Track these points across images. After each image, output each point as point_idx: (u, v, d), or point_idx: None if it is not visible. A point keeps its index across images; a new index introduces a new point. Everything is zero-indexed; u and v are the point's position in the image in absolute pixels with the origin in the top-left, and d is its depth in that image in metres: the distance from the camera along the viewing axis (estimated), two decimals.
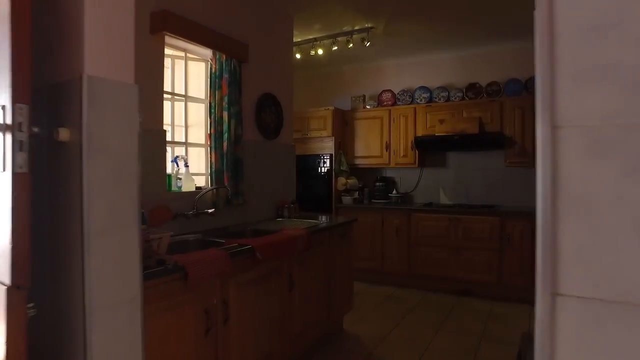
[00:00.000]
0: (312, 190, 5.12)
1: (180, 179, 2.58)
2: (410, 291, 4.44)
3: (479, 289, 4.24)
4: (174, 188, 2.56)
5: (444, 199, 4.94)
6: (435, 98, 4.81)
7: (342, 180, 4.95)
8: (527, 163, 4.20)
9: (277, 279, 2.37)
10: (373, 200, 5.10)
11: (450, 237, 4.31)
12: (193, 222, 2.56)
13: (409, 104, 4.95)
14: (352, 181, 5.07)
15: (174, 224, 2.42)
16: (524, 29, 4.17)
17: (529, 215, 3.97)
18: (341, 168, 4.94)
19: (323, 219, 3.37)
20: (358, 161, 5.11)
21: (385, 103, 5.10)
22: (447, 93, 4.73)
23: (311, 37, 4.48)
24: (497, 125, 4.33)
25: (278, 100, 3.44)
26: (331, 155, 4.97)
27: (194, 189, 2.67)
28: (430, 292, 4.38)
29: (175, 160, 2.64)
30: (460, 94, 4.66)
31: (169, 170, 2.54)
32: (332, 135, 4.94)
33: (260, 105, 3.24)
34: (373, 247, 4.72)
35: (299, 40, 4.56)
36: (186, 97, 2.81)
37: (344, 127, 5.17)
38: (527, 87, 4.33)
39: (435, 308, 3.91)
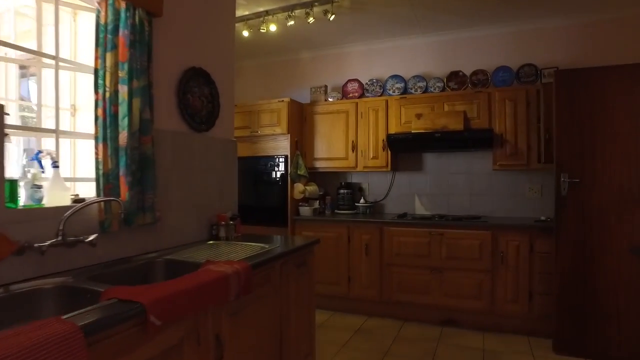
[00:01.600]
0: (263, 200, 4.22)
1: (39, 187, 1.61)
2: (383, 322, 3.63)
3: (466, 317, 3.49)
4: (26, 202, 1.59)
5: (421, 209, 4.19)
6: (411, 89, 4.06)
7: (299, 187, 4.09)
8: (521, 166, 3.52)
9: (191, 347, 1.45)
10: (337, 211, 4.27)
11: (432, 256, 3.54)
12: (61, 256, 1.60)
13: (379, 96, 4.18)
14: (312, 188, 4.22)
15: (20, 263, 1.46)
16: (516, 10, 3.51)
17: (527, 229, 3.28)
18: (298, 172, 4.08)
19: (275, 240, 2.49)
20: (319, 164, 4.26)
21: (351, 95, 4.30)
22: (424, 83, 4.00)
23: (261, 9, 3.61)
24: (485, 120, 3.63)
25: (212, 79, 2.53)
26: (286, 157, 4.10)
27: (67, 203, 1.71)
28: (408, 322, 3.59)
29: (36, 157, 1.67)
30: (440, 84, 3.94)
31: (12, 173, 1.58)
32: (288, 133, 4.08)
33: (186, 83, 2.32)
34: (338, 268, 3.88)
35: (247, 13, 3.68)
36: (57, 60, 1.85)
37: (302, 123, 4.31)
38: (518, 76, 3.67)
39: (416, 345, 3.11)
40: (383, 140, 3.96)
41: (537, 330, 3.28)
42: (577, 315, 2.93)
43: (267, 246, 2.18)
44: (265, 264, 1.90)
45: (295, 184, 4.10)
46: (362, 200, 4.25)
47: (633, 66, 2.87)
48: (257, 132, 4.21)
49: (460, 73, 3.86)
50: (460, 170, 4.03)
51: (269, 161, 4.18)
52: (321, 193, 4.36)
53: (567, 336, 2.95)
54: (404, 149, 3.92)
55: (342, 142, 4.15)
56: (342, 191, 4.28)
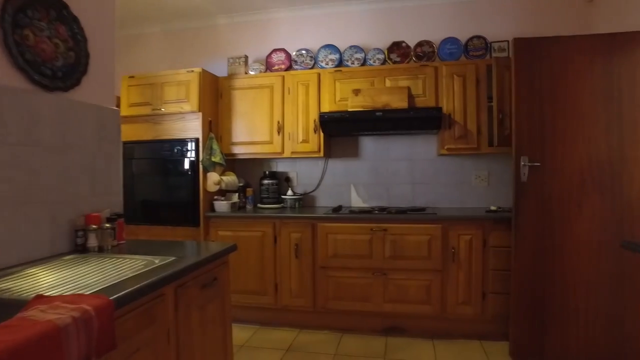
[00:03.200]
0: (168, 194, 3.40)
1: None
2: (319, 335, 3.04)
3: (413, 323, 3.03)
4: None
5: (358, 201, 3.66)
6: (347, 61, 3.49)
7: (214, 177, 3.34)
8: (472, 149, 3.13)
9: None
10: (260, 205, 3.59)
11: (374, 255, 3.02)
12: None
13: (310, 69, 3.56)
14: (230, 178, 3.49)
15: None
16: None
17: (481, 221, 2.89)
18: (212, 159, 3.33)
19: (173, 249, 1.76)
20: (238, 149, 3.54)
21: (276, 67, 3.62)
22: (363, 55, 3.45)
23: None
24: (432, 98, 3.18)
25: (74, 14, 1.71)
26: (197, 141, 3.32)
27: None
28: (348, 334, 3.05)
29: None
30: (381, 56, 3.41)
31: None
32: (199, 111, 3.30)
33: (17, 10, 1.49)
34: (263, 274, 3.21)
35: None
36: None
37: (217, 100, 3.55)
38: (467, 49, 3.27)
39: None
40: (314, 121, 3.36)
41: (489, 333, 2.92)
42: (535, 316, 2.59)
43: (157, 260, 1.46)
44: (146, 292, 1.19)
45: (208, 174, 3.34)
46: (289, 192, 3.61)
47: (602, 37, 2.56)
48: (161, 109, 3.37)
49: (404, 44, 3.36)
50: (402, 156, 3.57)
51: (176, 146, 3.37)
52: (241, 184, 3.64)
53: (525, 340, 2.60)
54: (339, 131, 3.35)
55: (266, 123, 3.46)
56: (266, 182, 3.60)
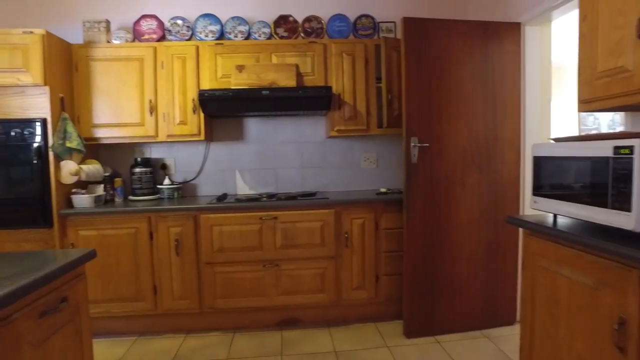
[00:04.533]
0: (6, 188, 2.71)
1: None
2: (208, 338, 2.73)
3: (309, 314, 2.91)
4: None
5: (244, 188, 3.39)
6: (229, 33, 3.14)
7: (70, 166, 2.76)
8: (362, 131, 3.07)
9: None
10: (132, 198, 3.10)
11: (265, 246, 2.80)
12: None
13: (187, 40, 3.13)
14: (92, 167, 2.93)
15: None
16: None
17: (372, 204, 2.85)
18: (68, 145, 2.74)
19: (1, 267, 1.31)
20: (102, 132, 2.98)
21: (146, 36, 3.11)
22: (247, 27, 3.14)
23: None
24: (321, 77, 3.03)
25: None
26: (45, 122, 2.69)
27: None
28: (240, 332, 2.80)
29: None
30: (267, 30, 3.14)
31: None
32: (46, 85, 2.66)
33: None
34: (138, 277, 2.76)
35: None
36: None
37: (70, 72, 2.93)
38: (356, 28, 3.18)
39: None
40: (193, 100, 2.97)
41: (384, 315, 2.94)
42: (426, 293, 2.66)
43: None
44: None
45: (62, 162, 2.74)
46: (167, 181, 3.18)
47: (478, 23, 2.66)
48: None
49: (291, 18, 3.14)
50: (290, 138, 3.38)
51: (14, 128, 2.68)
52: (107, 174, 3.10)
53: (417, 317, 2.65)
54: (222, 112, 3.01)
55: (136, 102, 2.96)
56: (138, 170, 3.11)
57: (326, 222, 2.82)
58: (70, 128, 2.77)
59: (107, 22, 3.05)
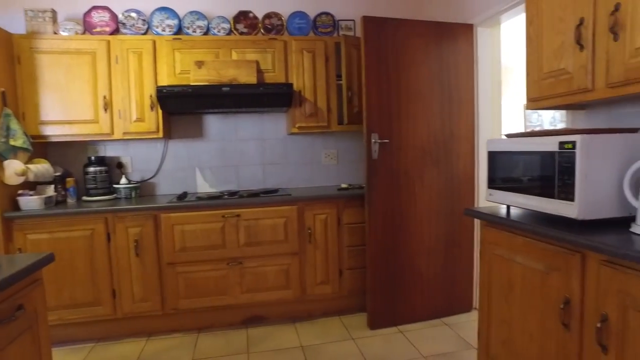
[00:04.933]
0: None
1: None
2: (171, 340, 2.68)
3: (274, 310, 2.92)
4: None
5: (204, 186, 3.33)
6: (188, 28, 3.07)
7: (15, 165, 2.60)
8: (323, 127, 3.11)
9: None
10: (87, 198, 2.97)
11: (228, 244, 2.78)
12: None
13: (143, 34, 3.03)
14: (41, 166, 2.77)
15: None
16: None
17: (334, 200, 2.90)
18: (12, 143, 2.58)
19: None
20: (51, 130, 2.82)
21: (98, 29, 2.97)
22: (205, 22, 3.08)
23: None
24: (281, 74, 3.03)
25: None
26: None
27: None
28: (205, 332, 2.76)
29: None
30: (226, 26, 3.10)
31: None
32: None
33: None
34: (95, 281, 2.65)
35: None
36: None
37: (12, 65, 2.75)
38: (316, 25, 3.20)
39: None
40: (151, 96, 2.88)
41: (348, 308, 3.00)
42: (388, 285, 2.74)
43: None
44: None
45: (5, 162, 2.57)
46: (123, 180, 3.07)
47: (433, 24, 2.76)
48: None
49: (251, 14, 3.12)
50: (251, 135, 3.36)
51: None
52: (58, 174, 2.94)
53: (381, 310, 2.74)
54: (181, 109, 2.93)
55: (89, 98, 2.83)
56: (92, 169, 2.98)
57: (289, 218, 2.83)
58: (14, 125, 2.61)
59: (53, 12, 2.89)
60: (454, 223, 2.85)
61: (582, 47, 1.58)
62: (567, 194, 1.46)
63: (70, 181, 2.98)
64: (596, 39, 1.53)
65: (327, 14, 3.23)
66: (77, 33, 2.94)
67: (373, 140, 2.61)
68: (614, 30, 1.44)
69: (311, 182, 3.47)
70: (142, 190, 3.21)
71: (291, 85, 2.89)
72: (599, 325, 1.28)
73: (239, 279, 2.80)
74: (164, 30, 3.03)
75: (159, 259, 2.71)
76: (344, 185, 3.22)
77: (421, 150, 2.73)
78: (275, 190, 3.14)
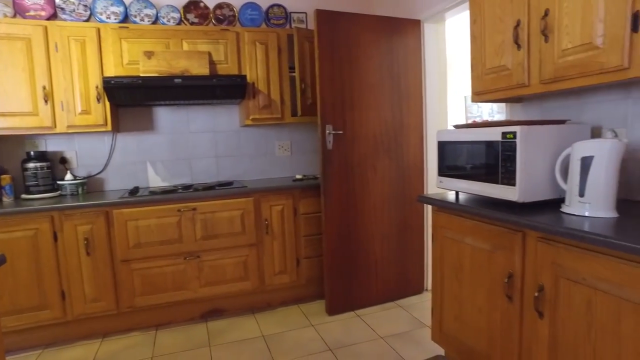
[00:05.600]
0: None
1: None
2: (127, 339, 2.61)
3: (233, 302, 2.93)
4: None
5: (157, 180, 3.25)
6: (135, 16, 2.95)
7: None
8: (277, 119, 3.13)
9: None
10: (26, 196, 2.79)
11: (185, 238, 2.75)
12: None
13: (85, 21, 2.87)
14: None
15: None
16: None
17: (290, 190, 2.95)
18: None
19: None
20: None
21: (32, 12, 2.78)
22: (154, 11, 2.97)
23: None
24: (234, 66, 3.01)
25: None
26: None
27: None
28: (163, 329, 2.72)
29: None
30: (176, 15, 3.01)
31: None
32: None
33: None
34: (41, 284, 2.52)
35: None
36: None
37: None
38: (268, 17, 3.20)
39: (183, 359, 2.34)
40: (97, 87, 2.76)
41: (306, 296, 3.08)
42: (345, 272, 2.85)
43: None
44: None
45: None
46: (68, 176, 2.91)
47: (384, 19, 2.86)
48: None
49: (202, 4, 3.05)
50: (204, 128, 3.32)
51: None
52: None
53: (338, 296, 2.84)
54: (131, 100, 2.82)
55: (26, 88, 2.65)
56: (32, 165, 2.80)
57: (246, 210, 2.85)
58: None
59: None
60: (405, 209, 3.00)
61: (519, 47, 1.74)
62: (509, 179, 1.61)
63: (5, 178, 2.78)
64: (531, 39, 1.69)
65: (279, 5, 3.24)
66: (6, 16, 2.73)
67: (327, 132, 2.69)
68: (545, 33, 1.60)
69: (266, 174, 3.49)
70: (90, 186, 3.07)
71: (245, 77, 2.88)
72: (536, 294, 1.45)
73: (197, 273, 2.78)
74: (108, 18, 2.89)
75: (112, 257, 2.63)
76: (298, 176, 3.28)
77: (374, 140, 2.85)
78: (230, 183, 3.13)
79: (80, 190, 2.93)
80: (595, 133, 1.82)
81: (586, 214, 1.43)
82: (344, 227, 2.82)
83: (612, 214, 1.41)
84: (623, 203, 1.63)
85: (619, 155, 1.39)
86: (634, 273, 1.13)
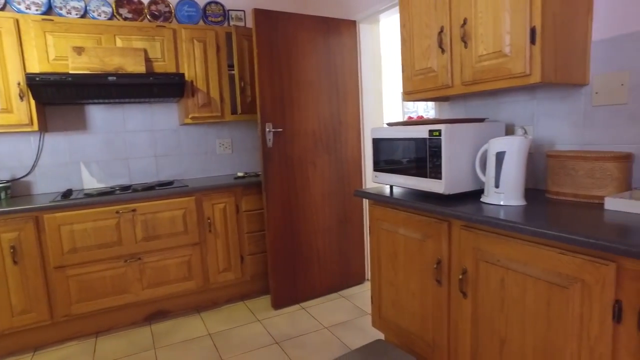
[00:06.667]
0: None
1: None
2: (63, 350, 2.50)
3: (178, 303, 2.90)
4: None
5: (92, 182, 3.11)
6: (60, 8, 2.79)
7: None
8: (216, 118, 3.12)
9: None
10: None
11: (124, 241, 2.67)
12: None
13: (0, 10, 2.67)
14: None
15: None
16: None
17: (232, 188, 2.96)
18: None
19: None
20: None
21: None
22: (82, 4, 2.83)
23: None
24: (172, 63, 2.95)
25: None
26: None
27: None
28: (104, 336, 2.64)
29: None
30: (108, 9, 2.89)
31: None
32: None
33: None
34: None
35: None
36: None
37: None
38: (206, 14, 3.16)
39: None
40: (19, 84, 2.59)
41: (251, 292, 3.12)
42: (288, 266, 2.92)
43: None
44: None
45: None
46: None
47: (321, 19, 2.94)
48: None
49: None
50: (141, 127, 3.22)
51: None
52: None
53: (283, 290, 2.91)
54: (60, 99, 2.67)
55: None
56: None
57: (188, 209, 2.82)
58: None
59: None
60: (345, 203, 3.13)
61: (443, 51, 1.89)
62: (436, 173, 1.76)
63: None
64: (453, 44, 1.85)
65: (216, 3, 3.22)
66: None
67: (267, 130, 2.73)
68: (464, 40, 1.76)
69: (207, 172, 3.47)
70: (15, 190, 2.88)
71: (183, 75, 2.84)
72: (460, 277, 1.61)
73: (138, 275, 2.72)
74: (28, 8, 2.72)
75: (44, 264, 2.50)
76: (240, 174, 3.29)
77: (313, 137, 2.93)
78: (170, 182, 3.08)
79: (3, 194, 2.74)
80: (509, 130, 2.03)
81: (501, 203, 1.61)
82: (287, 222, 2.89)
83: (521, 202, 1.60)
84: (531, 192, 1.85)
85: (525, 151, 1.58)
86: (535, 252, 1.31)
